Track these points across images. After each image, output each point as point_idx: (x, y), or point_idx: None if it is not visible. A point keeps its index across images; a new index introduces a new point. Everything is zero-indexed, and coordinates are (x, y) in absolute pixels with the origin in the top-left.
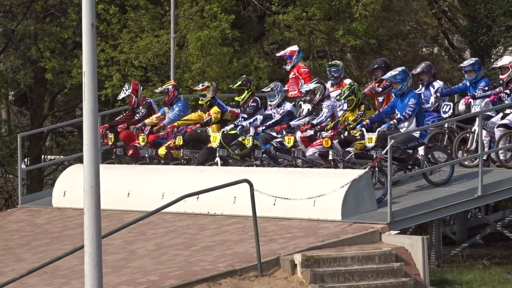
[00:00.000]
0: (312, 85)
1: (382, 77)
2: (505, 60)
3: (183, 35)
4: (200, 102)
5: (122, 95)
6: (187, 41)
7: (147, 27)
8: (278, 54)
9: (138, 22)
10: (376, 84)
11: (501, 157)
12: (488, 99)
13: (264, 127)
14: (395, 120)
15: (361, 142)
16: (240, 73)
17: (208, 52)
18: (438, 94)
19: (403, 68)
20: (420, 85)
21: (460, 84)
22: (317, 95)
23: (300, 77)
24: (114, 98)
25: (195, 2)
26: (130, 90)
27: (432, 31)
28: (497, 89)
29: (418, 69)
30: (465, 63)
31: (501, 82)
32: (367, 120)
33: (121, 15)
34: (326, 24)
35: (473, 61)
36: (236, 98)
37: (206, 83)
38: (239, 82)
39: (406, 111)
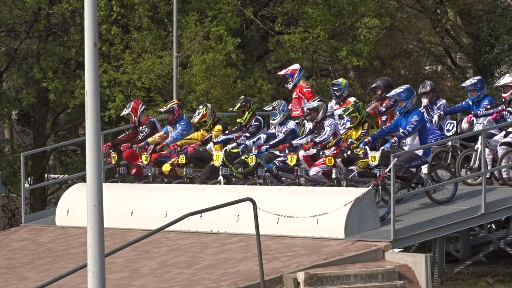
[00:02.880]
0: (314, 103)
1: (387, 95)
2: (507, 79)
3: (186, 55)
4: (203, 129)
5: (123, 113)
6: (191, 62)
7: (150, 48)
8: (280, 73)
9: (141, 42)
10: (379, 103)
11: (504, 175)
12: (490, 117)
13: (267, 146)
14: (395, 138)
15: (365, 160)
16: (244, 94)
17: (212, 73)
18: (441, 112)
19: (408, 86)
20: (426, 102)
21: (463, 103)
22: (320, 113)
23: (303, 97)
24: (117, 118)
25: (200, 23)
26: (129, 109)
27: (435, 50)
28: (500, 107)
29: (428, 88)
30: (467, 82)
31: (503, 100)
32: (369, 137)
33: (124, 35)
34: (329, 43)
35: (475, 80)
36: (238, 120)
37: (201, 110)
38: (239, 104)
39: (407, 128)
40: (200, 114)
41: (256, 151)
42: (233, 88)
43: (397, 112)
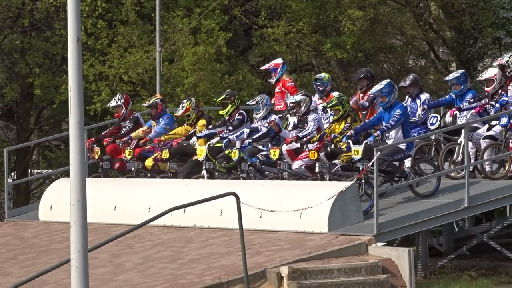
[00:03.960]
0: (297, 97)
1: (369, 92)
2: (490, 73)
3: (173, 50)
4: (186, 122)
5: (113, 104)
6: (180, 54)
7: (137, 43)
8: (262, 68)
9: (127, 37)
10: (361, 95)
11: (487, 169)
12: (473, 110)
13: (250, 140)
14: (378, 132)
15: (348, 154)
16: (232, 89)
17: (201, 67)
18: (425, 106)
19: (389, 81)
20: (407, 98)
21: (447, 96)
22: (302, 107)
23: (287, 91)
24: (102, 112)
25: (188, 17)
26: (122, 101)
27: (418, 44)
28: (483, 101)
29: (408, 82)
30: (450, 76)
31: (486, 94)
32: (352, 131)
33: (109, 30)
34: (313, 38)
35: (459, 74)
36: (220, 112)
37: (185, 104)
38: (223, 96)
39: (390, 121)
40: (184, 108)
41: (240, 145)
42: (221, 82)
43: (381, 108)
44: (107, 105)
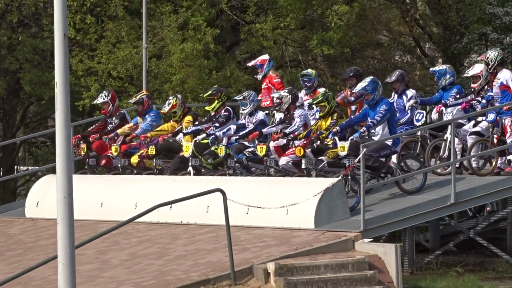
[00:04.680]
0: (282, 93)
1: (353, 90)
2: (476, 69)
3: (161, 46)
4: (173, 119)
5: (100, 100)
6: (168, 51)
7: (126, 38)
8: (249, 64)
9: (116, 32)
10: (349, 93)
11: (474, 165)
12: (460, 107)
13: (237, 137)
14: (364, 128)
15: (334, 150)
16: (220, 85)
17: (189, 63)
18: (418, 100)
19: (372, 77)
20: (393, 94)
21: (436, 94)
22: (285, 104)
23: (273, 88)
24: (90, 108)
25: (175, 13)
26: (109, 97)
27: (405, 40)
28: (469, 97)
29: (393, 78)
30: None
31: (472, 90)
32: (338, 127)
33: (98, 25)
34: (299, 33)
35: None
36: (207, 108)
37: (171, 101)
38: (210, 92)
39: (376, 117)
40: (170, 105)
41: (226, 141)
42: (209, 78)
43: (366, 105)
44: (94, 102)
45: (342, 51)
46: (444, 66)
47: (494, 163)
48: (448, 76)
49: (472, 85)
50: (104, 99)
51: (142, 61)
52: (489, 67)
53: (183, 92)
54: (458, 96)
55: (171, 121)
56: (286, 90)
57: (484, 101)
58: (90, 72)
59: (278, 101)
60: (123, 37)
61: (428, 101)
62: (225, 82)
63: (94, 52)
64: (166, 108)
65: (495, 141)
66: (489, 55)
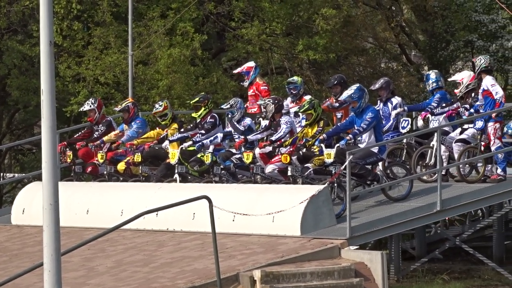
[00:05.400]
0: (266, 101)
1: (339, 98)
2: (458, 76)
3: (148, 52)
4: (162, 123)
5: (86, 107)
6: (156, 56)
7: (113, 44)
8: (235, 71)
9: (103, 39)
10: (334, 100)
11: (462, 172)
12: (445, 114)
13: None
14: (350, 135)
15: (320, 158)
16: (207, 91)
17: (175, 69)
18: (405, 108)
19: (358, 85)
20: (379, 101)
21: (427, 100)
22: (268, 111)
23: (260, 95)
24: (78, 114)
25: (163, 17)
26: (95, 105)
27: (390, 47)
28: (455, 105)
29: (377, 85)
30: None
31: (456, 96)
32: (324, 135)
33: (85, 32)
34: (285, 40)
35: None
36: (193, 114)
37: (162, 103)
38: (197, 99)
39: (362, 124)
40: (162, 107)
41: (212, 148)
42: (195, 85)
43: (352, 113)
44: (80, 109)
45: (327, 56)
46: (434, 71)
47: (482, 171)
48: (431, 81)
49: (455, 91)
50: (90, 106)
51: (129, 67)
52: (475, 71)
53: (169, 98)
54: (442, 103)
55: (157, 128)
56: (270, 99)
57: (472, 110)
58: (78, 78)
59: (263, 109)
60: (110, 43)
61: (417, 107)
62: (211, 89)
63: (82, 58)
64: (158, 109)
65: (483, 148)
66: (477, 60)
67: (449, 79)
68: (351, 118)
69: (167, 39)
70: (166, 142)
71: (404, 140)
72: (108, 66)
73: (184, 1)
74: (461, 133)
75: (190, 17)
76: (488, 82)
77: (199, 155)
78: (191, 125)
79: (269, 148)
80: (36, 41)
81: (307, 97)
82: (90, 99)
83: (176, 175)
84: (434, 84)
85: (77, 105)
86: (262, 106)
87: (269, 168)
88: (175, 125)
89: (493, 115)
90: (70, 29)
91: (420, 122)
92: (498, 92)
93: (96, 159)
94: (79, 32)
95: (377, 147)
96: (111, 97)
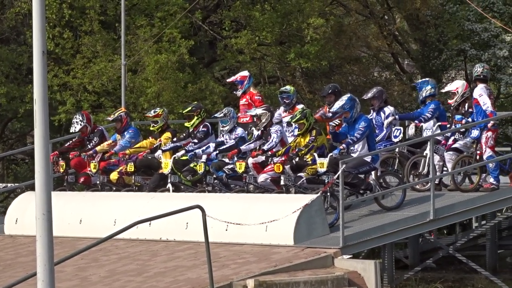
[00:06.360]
0: (259, 111)
1: (331, 110)
2: (452, 86)
3: (136, 60)
4: (151, 128)
5: (78, 127)
6: (143, 64)
7: (101, 52)
8: (228, 80)
9: (91, 47)
10: (328, 109)
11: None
12: (439, 123)
13: (217, 152)
14: (344, 145)
15: (313, 167)
16: (195, 97)
17: (164, 76)
18: (396, 116)
19: (349, 95)
20: (371, 110)
21: (419, 109)
22: (262, 121)
23: (253, 104)
24: (67, 124)
25: (150, 25)
26: (84, 121)
27: (383, 56)
28: (458, 126)
29: (369, 94)
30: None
31: (449, 106)
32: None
33: (74, 41)
34: (277, 49)
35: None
36: (186, 124)
37: (158, 110)
38: (189, 108)
39: (355, 134)
40: (156, 113)
41: (205, 158)
42: (184, 91)
43: (345, 123)
44: (71, 130)
45: (319, 64)
46: (426, 79)
47: (477, 179)
48: (429, 87)
49: (449, 101)
50: (81, 124)
51: (117, 75)
52: (472, 79)
53: (158, 105)
54: (436, 113)
55: (149, 137)
56: (264, 108)
57: (469, 119)
58: (66, 86)
59: (256, 120)
60: (98, 51)
61: (408, 116)
62: (200, 95)
63: (69, 66)
64: (151, 114)
65: (478, 157)
66: (473, 69)
67: (443, 90)
68: (343, 129)
69: (154, 46)
70: (159, 151)
71: (397, 149)
72: (96, 75)
73: (170, 9)
74: (454, 142)
75: (176, 25)
76: (478, 90)
77: (192, 165)
78: (184, 135)
79: (262, 158)
80: (25, 49)
81: (300, 106)
82: (77, 116)
83: (169, 185)
84: (433, 91)
85: (64, 114)
86: (256, 117)
87: (261, 178)
88: (168, 135)
89: (489, 124)
90: (61, 37)
91: (411, 131)
92: (485, 103)
93: (89, 169)
94: (68, 41)
95: (370, 156)
96: (101, 105)
